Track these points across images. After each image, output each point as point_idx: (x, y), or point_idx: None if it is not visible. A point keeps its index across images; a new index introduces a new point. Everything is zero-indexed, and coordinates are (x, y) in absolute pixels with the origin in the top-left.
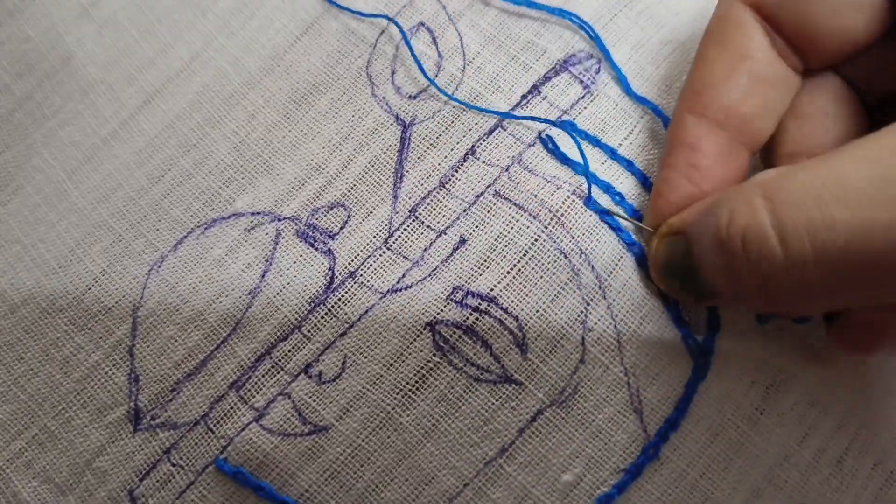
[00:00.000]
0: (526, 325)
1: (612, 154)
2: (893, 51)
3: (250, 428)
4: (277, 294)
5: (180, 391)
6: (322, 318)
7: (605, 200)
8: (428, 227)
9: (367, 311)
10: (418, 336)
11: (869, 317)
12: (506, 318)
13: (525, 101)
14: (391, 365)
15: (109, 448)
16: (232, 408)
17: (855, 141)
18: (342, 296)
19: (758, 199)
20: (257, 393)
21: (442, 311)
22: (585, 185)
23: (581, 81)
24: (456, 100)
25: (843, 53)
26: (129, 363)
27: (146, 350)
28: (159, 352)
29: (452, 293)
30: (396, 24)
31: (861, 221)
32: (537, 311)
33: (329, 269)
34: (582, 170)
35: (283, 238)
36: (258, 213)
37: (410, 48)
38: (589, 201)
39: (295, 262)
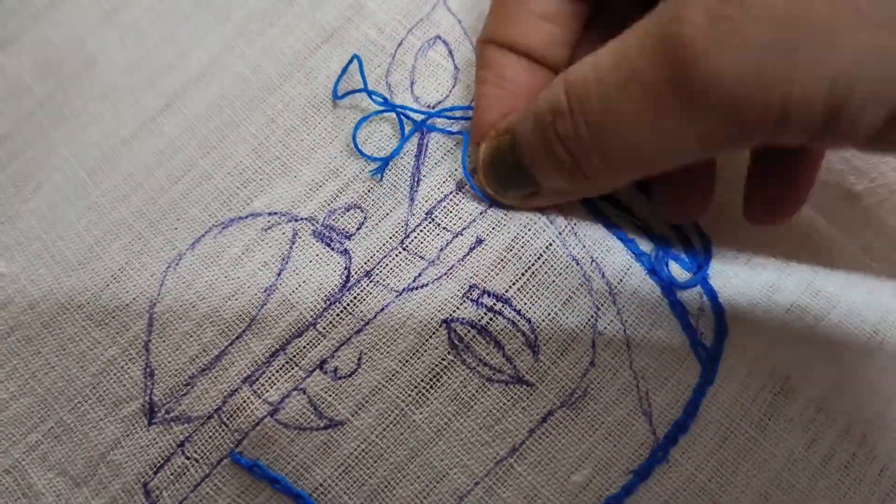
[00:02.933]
0: (538, 327)
1: None
2: None
3: (265, 422)
4: (293, 292)
5: (195, 385)
6: (338, 315)
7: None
8: (444, 228)
9: (382, 309)
10: (434, 333)
11: (777, 191)
12: (519, 320)
13: None
14: (407, 361)
15: (124, 441)
16: (245, 402)
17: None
18: (358, 294)
19: (559, 81)
20: (271, 388)
21: (458, 308)
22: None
23: None
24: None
25: None
26: (144, 358)
27: (162, 345)
28: (175, 347)
29: (468, 291)
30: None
31: (599, 82)
32: (549, 314)
33: (345, 269)
34: None
35: (299, 238)
36: (275, 214)
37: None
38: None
39: (311, 262)
